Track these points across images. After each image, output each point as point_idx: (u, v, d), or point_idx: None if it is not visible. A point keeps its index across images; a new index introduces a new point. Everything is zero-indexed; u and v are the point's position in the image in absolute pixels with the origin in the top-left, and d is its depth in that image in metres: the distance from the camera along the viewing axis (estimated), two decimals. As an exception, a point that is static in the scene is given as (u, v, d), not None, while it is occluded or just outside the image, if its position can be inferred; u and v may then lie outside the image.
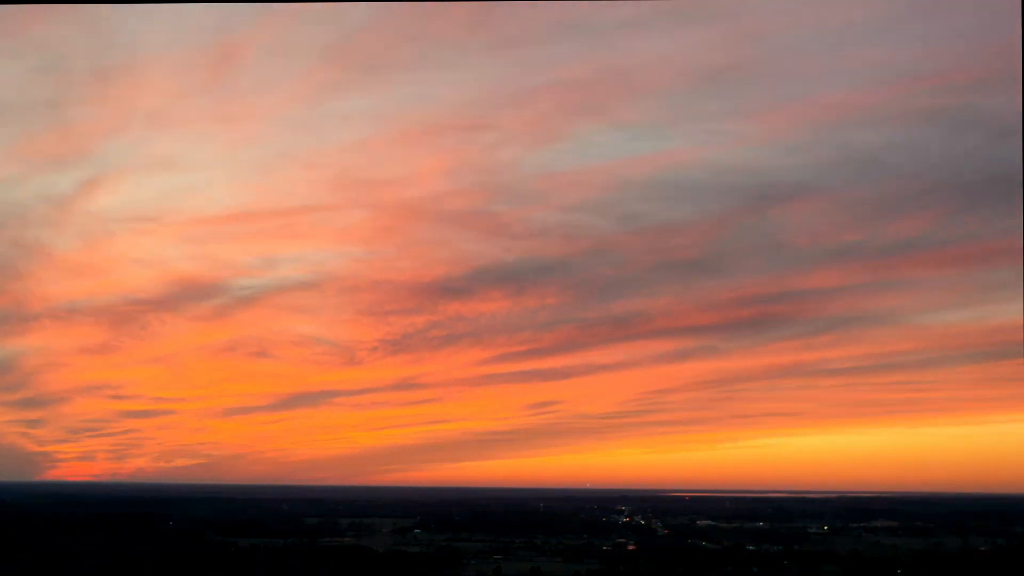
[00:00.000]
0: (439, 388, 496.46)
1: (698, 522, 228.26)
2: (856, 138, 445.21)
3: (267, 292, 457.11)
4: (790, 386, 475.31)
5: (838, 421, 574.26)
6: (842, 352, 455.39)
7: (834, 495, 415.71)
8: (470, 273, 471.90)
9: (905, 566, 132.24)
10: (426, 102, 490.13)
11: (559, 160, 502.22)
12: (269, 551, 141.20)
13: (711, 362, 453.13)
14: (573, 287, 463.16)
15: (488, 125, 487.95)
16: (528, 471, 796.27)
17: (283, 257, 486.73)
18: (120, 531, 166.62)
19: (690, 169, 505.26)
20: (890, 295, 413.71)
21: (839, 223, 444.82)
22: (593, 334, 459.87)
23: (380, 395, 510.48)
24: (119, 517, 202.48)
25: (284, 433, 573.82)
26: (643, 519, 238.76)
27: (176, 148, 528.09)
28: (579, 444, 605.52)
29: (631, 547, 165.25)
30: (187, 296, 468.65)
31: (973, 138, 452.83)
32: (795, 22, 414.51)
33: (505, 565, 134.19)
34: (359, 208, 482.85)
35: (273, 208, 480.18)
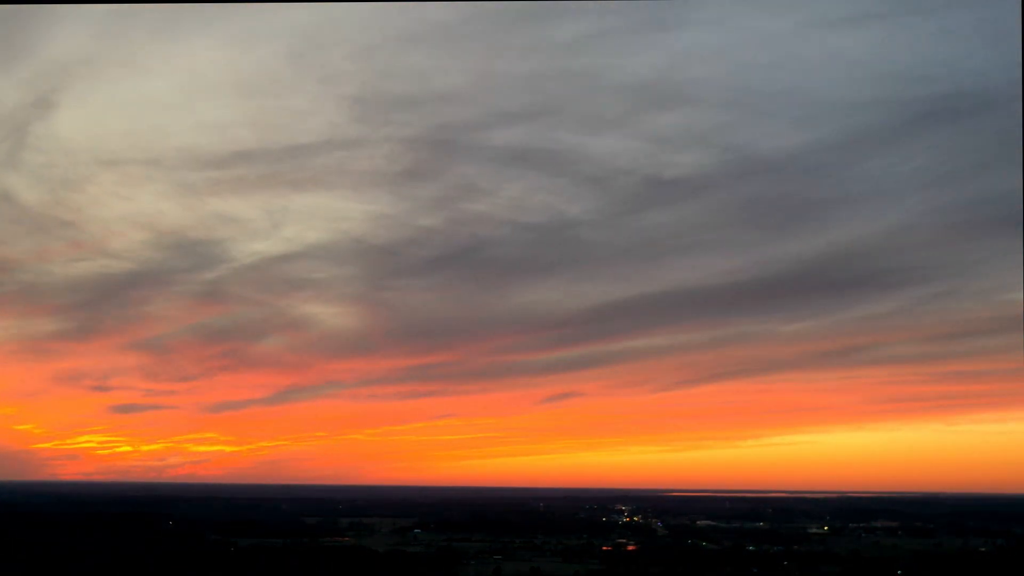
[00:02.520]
0: (452, 382, 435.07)
1: (698, 522, 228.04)
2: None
3: (271, 260, 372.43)
4: (830, 377, 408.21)
5: (873, 419, 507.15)
6: (900, 335, 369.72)
7: (834, 495, 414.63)
8: (515, 234, 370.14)
9: (905, 566, 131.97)
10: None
11: (659, 61, 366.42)
12: (269, 551, 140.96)
13: (748, 349, 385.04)
14: (631, 252, 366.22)
15: (567, 6, 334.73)
16: (529, 470, 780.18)
17: (293, 209, 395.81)
18: (120, 531, 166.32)
19: (840, 72, 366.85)
20: (990, 265, 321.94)
21: (997, 156, 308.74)
22: (632, 316, 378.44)
23: (387, 387, 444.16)
24: (119, 517, 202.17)
25: (283, 429, 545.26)
26: (643, 519, 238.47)
27: (157, 48, 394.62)
28: (590, 441, 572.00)
29: (631, 547, 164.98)
30: (179, 266, 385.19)
31: None
32: None
33: (505, 565, 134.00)
34: (386, 142, 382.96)
35: (283, 144, 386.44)
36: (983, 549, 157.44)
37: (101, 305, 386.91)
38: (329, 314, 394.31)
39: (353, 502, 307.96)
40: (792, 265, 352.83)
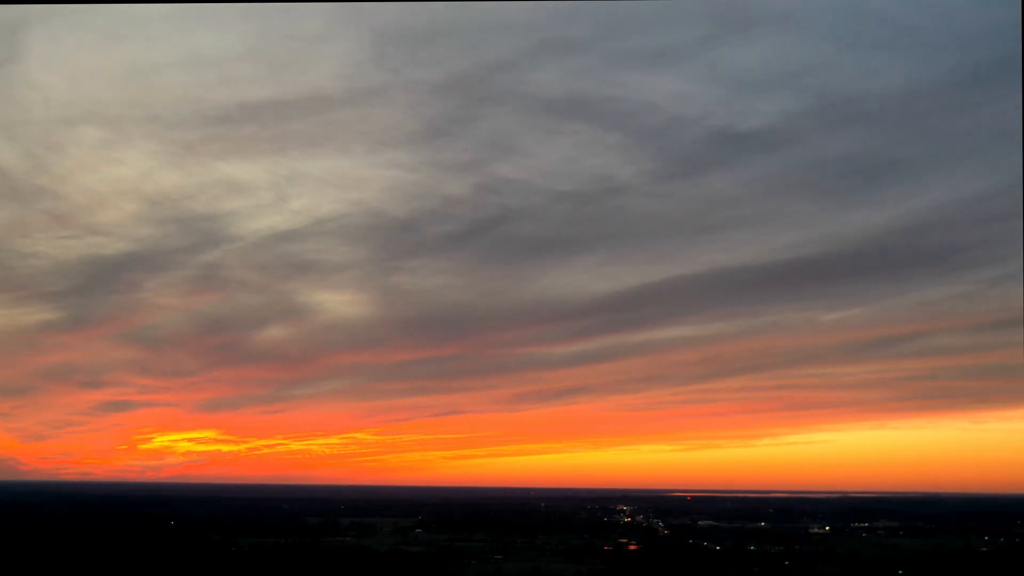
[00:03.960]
0: (461, 377, 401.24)
1: (699, 522, 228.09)
2: None
3: (276, 238, 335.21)
4: (863, 371, 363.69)
5: (897, 416, 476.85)
6: (951, 322, 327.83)
7: (836, 495, 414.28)
8: (550, 206, 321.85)
9: (906, 566, 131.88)
10: None
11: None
12: (271, 551, 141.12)
13: (782, 339, 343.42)
14: (680, 225, 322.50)
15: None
16: (532, 470, 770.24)
17: (303, 175, 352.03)
18: (121, 531, 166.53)
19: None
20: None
21: None
22: (663, 302, 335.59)
23: (393, 383, 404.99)
24: (120, 517, 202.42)
25: (283, 428, 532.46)
26: (644, 519, 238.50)
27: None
28: (598, 440, 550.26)
29: (632, 547, 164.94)
30: (175, 246, 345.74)
31: None
32: None
33: (506, 565, 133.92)
34: (409, 89, 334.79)
35: (294, 93, 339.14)
36: (984, 549, 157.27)
37: (91, 291, 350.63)
38: (336, 302, 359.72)
39: (354, 502, 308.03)
40: (856, 240, 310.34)
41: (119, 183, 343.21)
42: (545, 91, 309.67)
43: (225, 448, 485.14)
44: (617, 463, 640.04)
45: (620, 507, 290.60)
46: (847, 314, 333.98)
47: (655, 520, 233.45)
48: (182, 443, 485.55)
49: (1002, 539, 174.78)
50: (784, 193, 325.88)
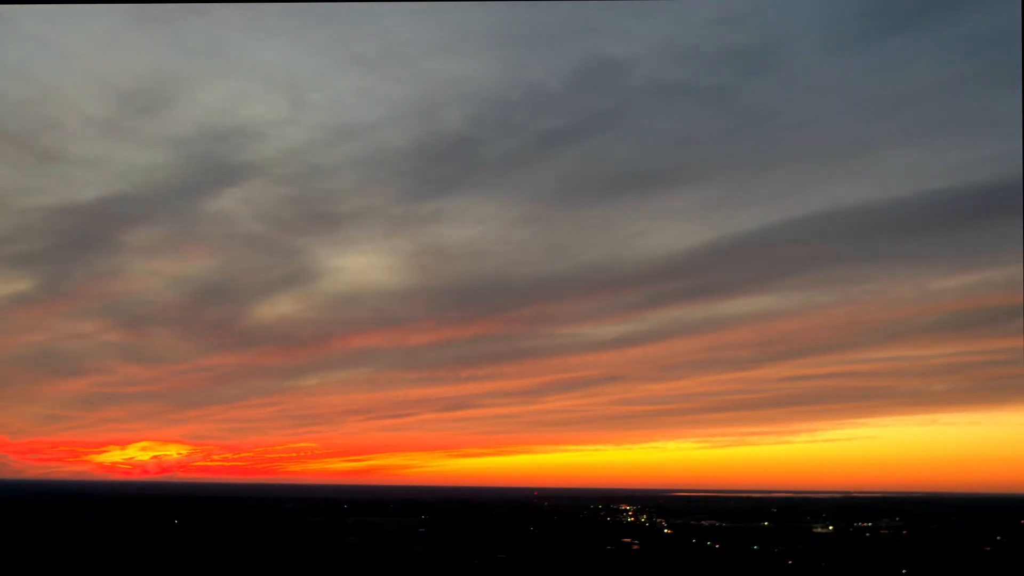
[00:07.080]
0: (483, 363, 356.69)
1: (703, 522, 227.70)
2: None
3: (290, 171, 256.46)
4: (939, 354, 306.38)
5: (952, 408, 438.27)
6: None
7: (839, 495, 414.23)
8: (657, 111, 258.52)
9: (909, 565, 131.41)
10: None
11: None
12: (274, 550, 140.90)
13: (867, 311, 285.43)
14: (820, 139, 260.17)
15: None
16: (542, 468, 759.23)
17: (332, 59, 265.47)
18: (121, 531, 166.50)
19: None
20: None
21: None
22: (748, 261, 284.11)
23: (407, 372, 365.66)
24: (120, 517, 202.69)
25: (285, 424, 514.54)
26: (647, 519, 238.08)
27: None
28: (618, 435, 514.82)
29: (635, 546, 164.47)
30: (164, 185, 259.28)
31: None
32: None
33: (508, 564, 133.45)
34: None
35: None
36: (987, 548, 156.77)
37: (66, 252, 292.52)
38: (356, 266, 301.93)
39: (357, 501, 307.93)
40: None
41: (79, 64, 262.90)
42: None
43: (221, 447, 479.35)
44: (635, 462, 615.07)
45: (623, 507, 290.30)
46: (957, 282, 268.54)
47: (658, 520, 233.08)
48: (174, 442, 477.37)
49: (999, 537, 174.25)
50: (986, 85, 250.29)
